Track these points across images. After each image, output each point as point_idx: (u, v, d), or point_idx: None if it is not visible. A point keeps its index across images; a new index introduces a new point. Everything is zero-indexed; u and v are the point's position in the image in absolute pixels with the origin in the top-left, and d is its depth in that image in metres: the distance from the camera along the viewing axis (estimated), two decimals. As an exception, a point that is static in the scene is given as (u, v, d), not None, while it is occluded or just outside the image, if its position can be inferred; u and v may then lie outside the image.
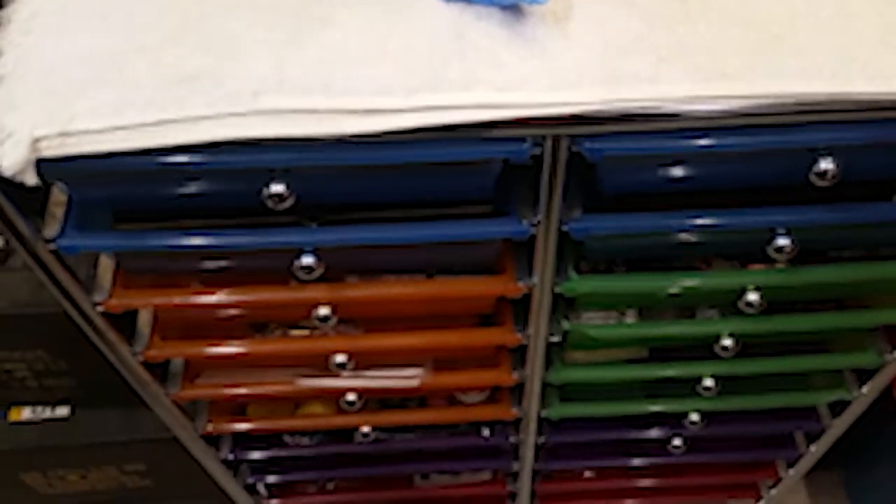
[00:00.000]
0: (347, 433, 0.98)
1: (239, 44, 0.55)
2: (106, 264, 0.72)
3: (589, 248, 0.71)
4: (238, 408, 0.98)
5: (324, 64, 0.54)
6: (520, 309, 0.78)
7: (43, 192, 0.64)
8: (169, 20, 0.57)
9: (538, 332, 0.79)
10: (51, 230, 0.63)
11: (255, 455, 1.01)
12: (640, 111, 0.54)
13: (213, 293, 0.71)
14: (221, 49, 0.55)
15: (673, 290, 0.75)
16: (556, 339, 0.80)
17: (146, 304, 0.72)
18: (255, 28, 0.56)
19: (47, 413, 1.05)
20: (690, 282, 0.74)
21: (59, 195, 0.65)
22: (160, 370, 0.83)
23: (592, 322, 0.84)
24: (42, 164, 0.53)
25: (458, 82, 0.53)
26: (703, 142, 0.56)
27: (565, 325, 0.79)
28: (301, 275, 0.66)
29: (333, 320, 0.73)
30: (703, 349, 0.83)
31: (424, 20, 0.56)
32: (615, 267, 0.80)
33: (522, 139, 0.56)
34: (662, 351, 0.90)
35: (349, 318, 0.83)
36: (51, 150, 0.52)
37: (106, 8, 0.57)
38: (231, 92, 0.52)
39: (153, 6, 0.58)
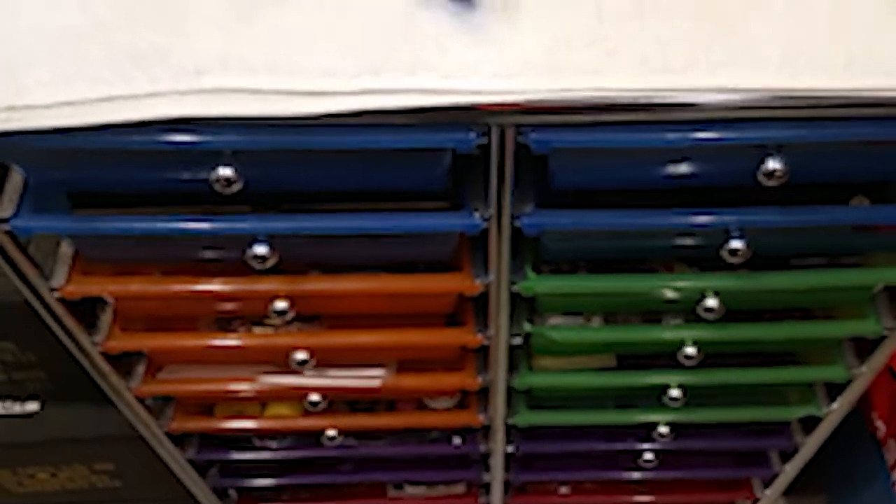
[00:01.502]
0: (316, 437, 0.98)
1: (190, 21, 0.56)
2: (66, 252, 0.72)
3: (546, 247, 0.71)
4: (205, 408, 0.97)
5: (270, 44, 0.54)
6: (482, 309, 0.78)
7: (0, 176, 0.64)
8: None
9: (499, 333, 0.78)
10: (5, 211, 0.63)
11: (222, 456, 1.01)
12: (585, 103, 0.54)
13: (169, 282, 0.71)
14: (172, 26, 0.55)
15: (631, 292, 0.75)
16: (517, 341, 0.80)
17: (102, 291, 0.72)
18: (207, 6, 0.56)
19: (17, 408, 1.05)
20: (649, 283, 0.74)
21: (16, 178, 0.65)
22: (123, 364, 0.83)
23: (557, 325, 0.84)
24: (-10, 140, 0.54)
25: (404, 67, 0.54)
26: (646, 136, 0.56)
27: (526, 326, 0.79)
28: (255, 264, 0.66)
29: (291, 314, 0.73)
30: (669, 358, 0.83)
31: (375, 5, 0.57)
32: (578, 270, 0.80)
33: (468, 128, 0.56)
34: (630, 360, 0.90)
35: (311, 316, 0.83)
36: (-3, 123, 0.53)
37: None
38: (175, 69, 0.53)
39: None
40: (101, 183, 0.63)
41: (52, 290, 0.70)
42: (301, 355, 0.79)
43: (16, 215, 0.63)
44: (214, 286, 0.71)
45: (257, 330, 0.83)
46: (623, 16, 0.57)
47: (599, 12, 0.57)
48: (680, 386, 0.87)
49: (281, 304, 0.73)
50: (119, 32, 0.56)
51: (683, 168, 0.62)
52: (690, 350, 0.80)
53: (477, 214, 0.64)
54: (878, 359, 0.83)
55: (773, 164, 0.59)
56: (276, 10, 0.56)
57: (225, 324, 0.85)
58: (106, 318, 0.78)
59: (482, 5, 0.57)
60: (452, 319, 0.82)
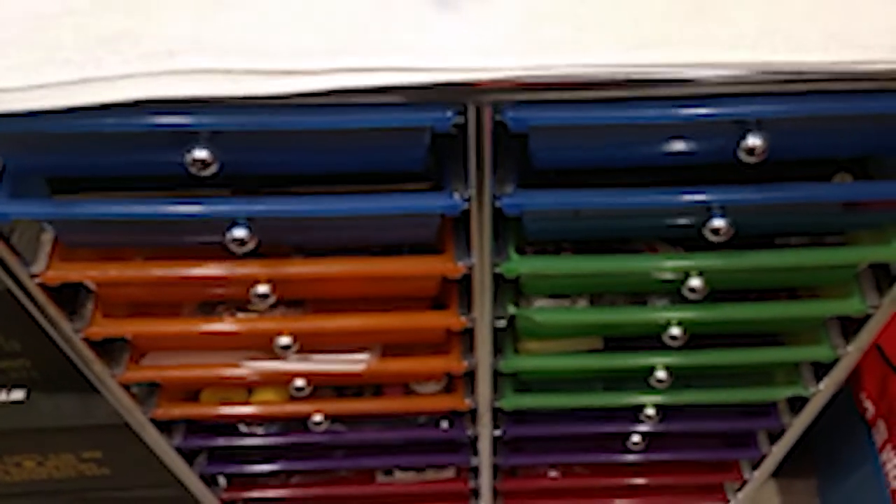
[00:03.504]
0: (303, 423, 0.97)
1: (162, 5, 0.55)
2: (46, 239, 0.72)
3: (529, 228, 0.70)
4: (190, 395, 0.97)
5: (243, 25, 0.54)
6: (467, 292, 0.78)
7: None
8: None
9: (483, 315, 0.78)
10: (-18, 199, 0.63)
11: (208, 443, 1.01)
12: (562, 79, 0.54)
13: (149, 267, 0.71)
14: (144, 10, 0.55)
15: (615, 272, 0.75)
16: (501, 323, 0.80)
17: (83, 277, 0.72)
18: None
19: (2, 396, 1.05)
20: (633, 264, 0.73)
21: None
22: (106, 351, 0.82)
23: (541, 307, 0.84)
24: (-38, 123, 0.53)
25: (377, 45, 0.53)
26: (625, 113, 0.56)
27: (510, 309, 0.78)
28: (234, 248, 0.66)
29: (273, 298, 0.73)
30: (655, 339, 0.82)
31: (349, -13, 0.56)
32: (562, 252, 0.80)
33: (444, 106, 0.56)
34: (616, 342, 0.90)
35: (295, 301, 0.82)
36: (-31, 107, 0.52)
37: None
38: (148, 51, 0.53)
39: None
40: (78, 167, 0.63)
41: (33, 276, 0.70)
42: (284, 340, 0.79)
43: (-7, 200, 0.62)
44: (194, 271, 0.71)
45: (241, 315, 0.83)
46: (601, -7, 0.56)
47: (578, -11, 0.56)
48: (666, 367, 0.87)
49: (262, 289, 0.72)
50: (90, 17, 0.56)
51: (663, 146, 0.62)
52: (676, 331, 0.80)
53: (457, 195, 0.64)
54: (864, 338, 0.83)
55: (753, 140, 0.58)
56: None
57: (209, 309, 0.85)
58: (88, 304, 0.77)
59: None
60: (437, 302, 0.82)
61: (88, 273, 0.72)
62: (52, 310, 0.74)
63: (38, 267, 0.70)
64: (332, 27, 0.54)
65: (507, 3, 0.55)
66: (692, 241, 0.73)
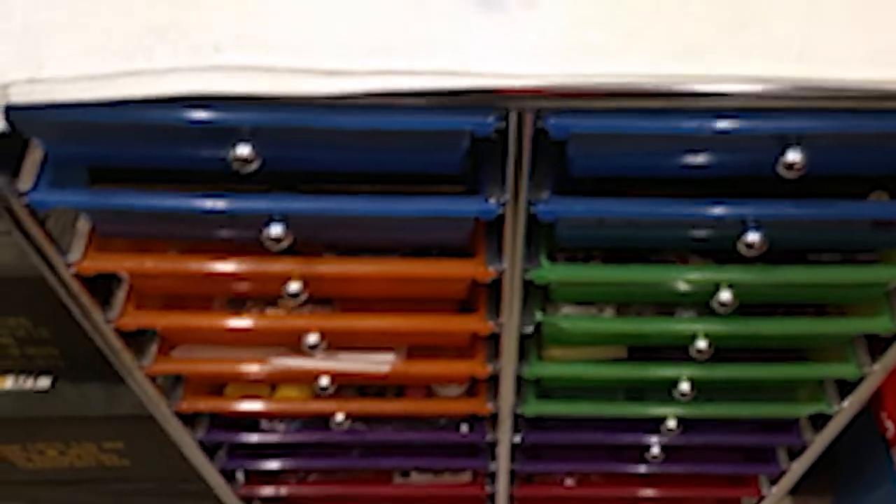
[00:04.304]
0: (324, 421, 0.98)
1: None
2: (84, 229, 0.73)
3: (561, 235, 0.71)
4: (215, 389, 0.98)
5: (285, 22, 0.55)
6: (495, 297, 0.78)
7: (20, 149, 0.65)
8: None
9: (510, 320, 0.78)
10: (24, 184, 0.63)
11: (230, 438, 1.01)
12: (605, 88, 0.54)
13: (184, 261, 0.72)
14: (192, 2, 0.56)
15: (645, 282, 0.75)
16: (528, 329, 0.80)
17: (118, 268, 0.73)
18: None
19: (29, 384, 1.06)
20: (664, 274, 0.73)
21: (36, 153, 0.66)
22: (135, 342, 0.83)
23: (568, 314, 0.84)
24: (11, 112, 0.54)
25: (420, 47, 0.54)
26: (666, 123, 0.56)
27: (538, 315, 0.79)
28: (270, 245, 0.66)
29: (304, 296, 0.73)
30: (680, 351, 0.82)
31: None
32: (592, 259, 0.80)
33: (486, 111, 0.56)
34: (641, 352, 0.90)
35: (324, 299, 0.83)
36: (20, 96, 0.53)
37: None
38: (195, 45, 0.53)
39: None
40: (120, 158, 0.63)
41: (69, 265, 0.70)
42: (313, 338, 0.79)
43: (34, 188, 0.63)
44: (229, 266, 0.71)
45: (270, 311, 0.84)
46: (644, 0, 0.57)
47: (621, -3, 0.57)
48: (690, 380, 0.87)
49: (294, 286, 0.73)
50: (139, 6, 0.56)
51: (702, 157, 0.62)
52: (702, 344, 0.80)
53: (493, 200, 0.64)
54: (891, 357, 0.82)
55: (793, 155, 0.58)
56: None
57: (238, 304, 0.86)
58: (120, 295, 0.78)
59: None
60: (465, 305, 0.82)
61: (124, 264, 0.72)
62: (86, 299, 0.74)
63: (74, 256, 0.70)
64: (377, 26, 0.55)
65: (553, 6, 0.56)
66: (722, 252, 0.73)
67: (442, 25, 0.54)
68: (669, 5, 0.56)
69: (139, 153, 0.62)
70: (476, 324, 0.79)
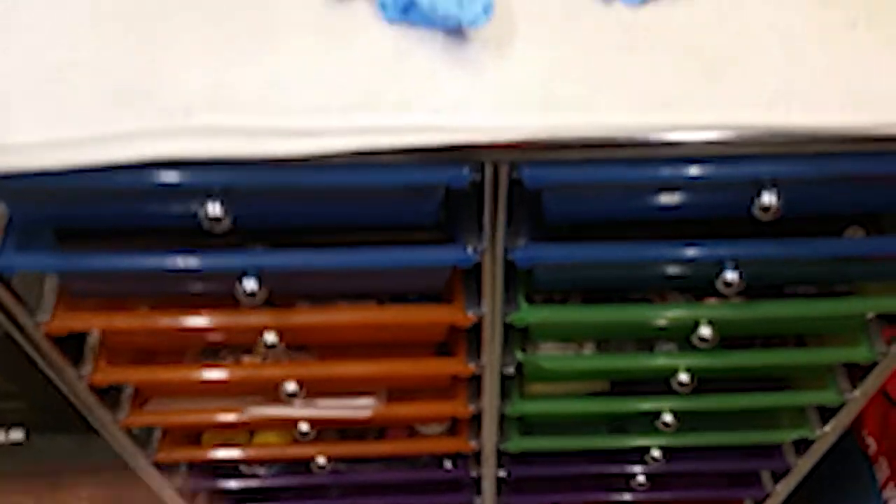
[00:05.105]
0: (305, 464, 0.96)
1: (178, 59, 0.55)
2: (51, 284, 0.71)
3: (539, 278, 0.70)
4: (192, 437, 0.96)
5: (260, 82, 0.54)
6: (474, 338, 0.77)
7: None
8: (111, 33, 0.56)
9: (491, 362, 0.78)
10: (-10, 249, 0.62)
11: (210, 485, 1.00)
12: (579, 140, 0.54)
13: (155, 317, 0.70)
14: (160, 64, 0.54)
15: (624, 322, 0.74)
16: (510, 370, 0.79)
17: (89, 327, 0.71)
18: (196, 45, 0.55)
19: (1, 437, 1.03)
20: (643, 314, 0.73)
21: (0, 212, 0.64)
22: (109, 395, 0.81)
23: (549, 354, 0.83)
24: (-27, 179, 0.52)
25: (396, 104, 0.53)
26: (640, 172, 0.56)
27: (519, 356, 0.78)
28: (244, 300, 0.65)
29: (281, 347, 0.72)
30: (662, 383, 0.82)
31: (366, 42, 0.56)
32: (571, 297, 0.79)
33: (461, 164, 0.55)
34: (623, 385, 0.89)
35: (301, 345, 0.82)
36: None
37: (46, 18, 0.57)
38: (164, 107, 0.52)
39: (102, 17, 0.57)
40: (88, 219, 0.62)
41: (38, 325, 0.69)
42: (291, 386, 0.78)
43: (0, 253, 0.61)
44: (202, 321, 0.70)
45: (246, 358, 0.82)
46: (615, 50, 0.56)
47: (591, 45, 0.56)
48: (673, 411, 0.87)
49: (270, 337, 0.72)
50: (107, 70, 0.55)
51: (677, 201, 0.62)
52: (684, 377, 0.80)
53: (470, 248, 0.63)
54: (871, 383, 0.83)
55: (767, 198, 0.58)
56: (264, 47, 0.55)
57: (213, 353, 0.84)
58: (92, 350, 0.76)
59: (475, 39, 0.56)
60: (443, 346, 0.82)
61: (95, 322, 0.71)
62: (56, 357, 0.73)
63: (43, 316, 0.69)
64: (350, 82, 0.54)
65: (525, 59, 0.55)
66: (701, 288, 0.73)
67: (418, 82, 0.54)
68: (641, 55, 0.56)
69: (108, 213, 0.61)
70: (457, 367, 0.78)
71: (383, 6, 0.56)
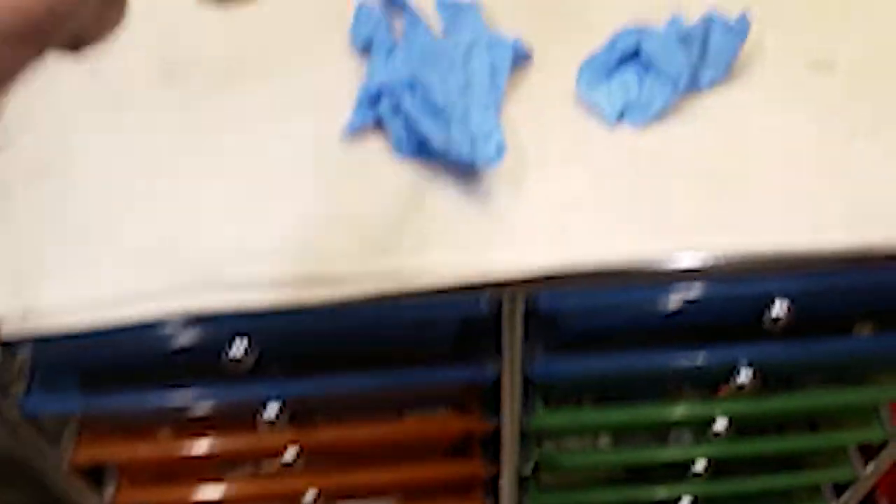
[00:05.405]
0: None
1: (201, 213, 0.56)
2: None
3: (558, 386, 0.71)
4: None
5: (282, 232, 0.55)
6: (491, 437, 0.78)
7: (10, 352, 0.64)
8: (138, 190, 0.58)
9: (509, 462, 0.78)
10: (16, 389, 0.62)
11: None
12: (593, 270, 0.55)
13: (177, 443, 0.71)
14: (184, 219, 0.56)
15: (640, 421, 0.75)
16: (527, 471, 0.80)
17: (113, 458, 0.72)
18: (217, 198, 0.57)
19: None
20: (658, 413, 0.74)
21: (24, 354, 0.65)
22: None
23: (565, 446, 0.84)
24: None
25: (414, 246, 0.54)
26: (651, 294, 0.57)
27: (536, 454, 0.79)
28: (266, 426, 0.66)
29: (301, 461, 0.73)
30: (679, 468, 0.83)
31: (381, 182, 0.57)
32: (585, 395, 0.80)
33: (480, 298, 0.57)
34: (639, 471, 0.90)
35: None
36: (13, 324, 0.53)
37: (74, 178, 0.58)
38: (190, 262, 0.53)
39: (133, 173, 0.58)
40: (112, 361, 0.63)
41: (62, 457, 0.69)
42: (310, 496, 0.79)
43: (27, 395, 0.62)
44: (226, 444, 0.71)
45: (265, 466, 0.83)
46: (624, 177, 0.57)
47: (601, 172, 0.58)
48: (690, 496, 0.87)
49: (291, 453, 0.72)
50: (133, 226, 0.56)
51: (689, 316, 0.63)
52: (700, 466, 0.81)
53: (490, 367, 0.64)
54: (884, 459, 0.84)
55: (777, 310, 0.60)
56: (284, 199, 0.56)
57: (229, 466, 0.84)
58: (112, 474, 0.76)
59: (488, 175, 0.57)
60: (460, 445, 0.82)
61: (119, 453, 0.71)
62: (81, 486, 0.73)
63: (67, 449, 0.69)
64: (368, 226, 0.55)
65: (540, 194, 0.56)
66: (716, 383, 0.74)
67: (435, 223, 0.55)
68: (650, 180, 0.57)
69: (132, 357, 0.62)
70: (475, 469, 0.79)
71: (398, 146, 0.57)
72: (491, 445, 0.78)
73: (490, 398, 0.72)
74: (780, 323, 0.60)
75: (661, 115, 0.59)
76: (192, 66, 0.63)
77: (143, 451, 0.71)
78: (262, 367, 0.67)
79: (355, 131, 0.58)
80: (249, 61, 0.64)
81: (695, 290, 0.58)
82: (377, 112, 0.57)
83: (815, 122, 0.59)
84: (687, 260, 0.55)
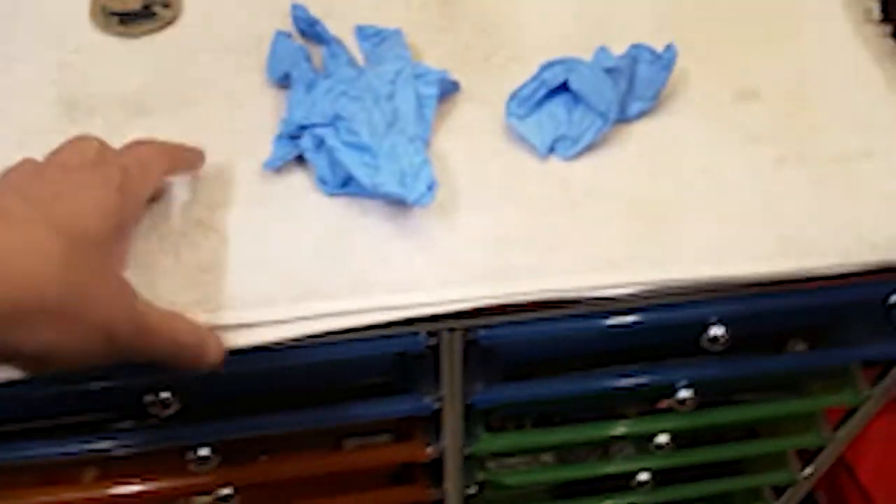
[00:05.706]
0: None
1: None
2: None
3: (497, 412, 0.70)
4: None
5: (202, 275, 0.52)
6: (432, 462, 0.76)
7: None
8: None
9: (453, 486, 0.77)
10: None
11: None
12: (530, 302, 0.54)
13: (102, 488, 0.67)
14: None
15: (582, 440, 0.75)
16: (471, 491, 0.79)
17: (33, 505, 0.68)
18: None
19: None
20: (598, 433, 0.74)
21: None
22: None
23: (508, 464, 0.83)
24: None
25: (345, 286, 0.52)
26: (589, 323, 0.57)
27: (480, 476, 0.78)
28: (196, 467, 0.63)
29: (237, 498, 0.70)
30: (623, 478, 0.83)
31: (308, 220, 0.55)
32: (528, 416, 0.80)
33: (416, 334, 0.55)
34: (584, 482, 0.90)
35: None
36: None
37: None
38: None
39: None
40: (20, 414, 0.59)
41: (-23, 509, 0.65)
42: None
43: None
44: (154, 486, 0.67)
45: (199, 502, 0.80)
46: (557, 211, 0.56)
47: (534, 206, 0.56)
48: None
49: (226, 491, 0.70)
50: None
51: (627, 339, 0.63)
52: (643, 476, 0.81)
53: (428, 398, 0.63)
54: (823, 462, 0.85)
55: (715, 331, 0.60)
56: (199, 245, 0.53)
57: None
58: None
59: (419, 210, 0.55)
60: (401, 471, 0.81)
61: (40, 501, 0.67)
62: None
63: (-17, 499, 0.65)
64: (295, 267, 0.53)
65: (472, 228, 0.55)
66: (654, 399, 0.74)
67: (366, 260, 0.53)
68: (582, 210, 0.56)
69: (42, 406, 0.58)
70: (419, 494, 0.77)
71: (322, 182, 0.55)
72: (434, 469, 0.77)
73: (431, 425, 0.70)
74: (718, 343, 0.60)
75: (591, 146, 0.58)
76: (97, 101, 0.60)
77: (67, 495, 0.67)
78: (188, 410, 0.65)
79: (275, 167, 0.56)
80: (160, 95, 0.61)
81: (632, 317, 0.57)
82: (299, 147, 0.54)
83: (743, 150, 0.59)
84: (623, 290, 0.54)
